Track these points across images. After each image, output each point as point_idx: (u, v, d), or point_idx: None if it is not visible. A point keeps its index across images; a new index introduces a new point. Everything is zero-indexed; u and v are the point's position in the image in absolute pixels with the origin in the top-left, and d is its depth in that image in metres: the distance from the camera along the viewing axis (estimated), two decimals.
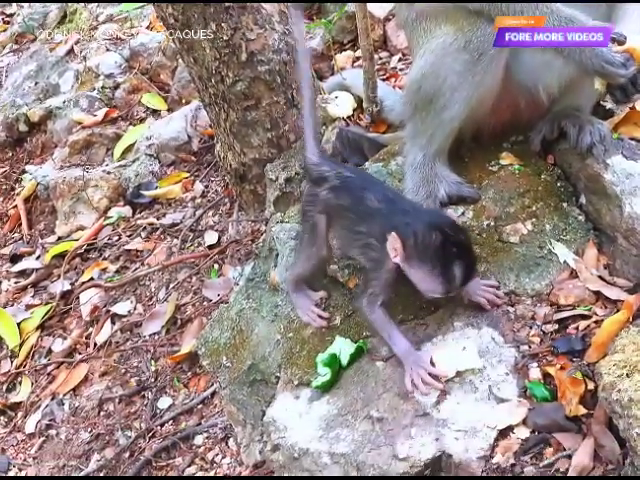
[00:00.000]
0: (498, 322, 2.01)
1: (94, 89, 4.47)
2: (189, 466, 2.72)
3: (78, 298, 3.54)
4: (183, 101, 4.27)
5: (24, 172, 4.34)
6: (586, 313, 1.96)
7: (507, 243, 2.14)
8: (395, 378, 1.98)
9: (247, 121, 3.04)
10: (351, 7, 3.61)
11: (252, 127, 3.06)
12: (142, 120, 4.29)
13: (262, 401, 2.30)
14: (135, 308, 3.39)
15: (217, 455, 2.72)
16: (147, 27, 4.78)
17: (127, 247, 3.67)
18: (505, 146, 2.38)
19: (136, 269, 3.55)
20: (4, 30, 5.61)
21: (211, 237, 3.49)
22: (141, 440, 2.89)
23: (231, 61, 2.91)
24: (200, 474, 2.68)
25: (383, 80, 3.37)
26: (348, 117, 3.03)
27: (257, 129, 3.06)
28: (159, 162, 3.99)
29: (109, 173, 3.99)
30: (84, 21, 5.06)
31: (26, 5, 5.47)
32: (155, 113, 4.32)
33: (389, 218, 1.99)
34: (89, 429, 3.04)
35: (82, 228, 3.90)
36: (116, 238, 3.76)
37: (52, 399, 3.22)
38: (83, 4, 5.08)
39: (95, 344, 3.31)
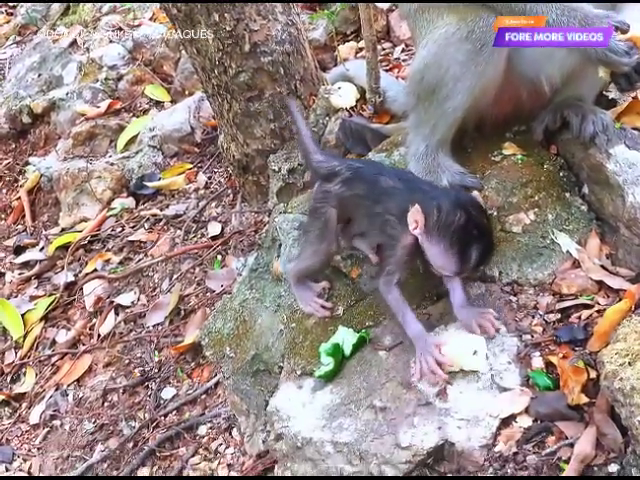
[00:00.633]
0: (501, 311, 2.02)
1: (97, 80, 4.47)
2: (193, 456, 2.73)
3: (82, 289, 3.55)
4: (186, 92, 4.28)
5: (27, 164, 4.36)
6: (588, 302, 1.97)
7: (510, 233, 2.14)
8: (398, 367, 1.99)
9: (250, 112, 3.05)
10: None
11: (255, 118, 3.06)
12: (145, 111, 4.30)
13: (265, 391, 2.32)
14: (139, 299, 3.40)
15: (221, 445, 2.73)
16: (150, 18, 4.78)
17: (130, 238, 3.68)
18: (508, 136, 2.38)
19: (139, 260, 3.57)
20: (7, 22, 5.61)
21: (214, 228, 3.49)
22: (145, 430, 2.90)
23: (234, 52, 2.91)
24: (204, 464, 2.69)
25: (386, 71, 3.36)
26: (351, 108, 3.03)
27: (260, 120, 3.06)
28: (162, 153, 4.00)
29: (112, 164, 4.00)
30: (87, 12, 5.06)
31: None
32: (158, 104, 4.33)
33: (408, 194, 2.00)
34: (93, 419, 3.06)
35: (85, 219, 3.91)
36: (119, 229, 3.77)
37: (56, 390, 3.23)
38: None
39: (99, 335, 3.33)
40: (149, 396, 3.02)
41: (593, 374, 1.78)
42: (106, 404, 3.09)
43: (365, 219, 2.16)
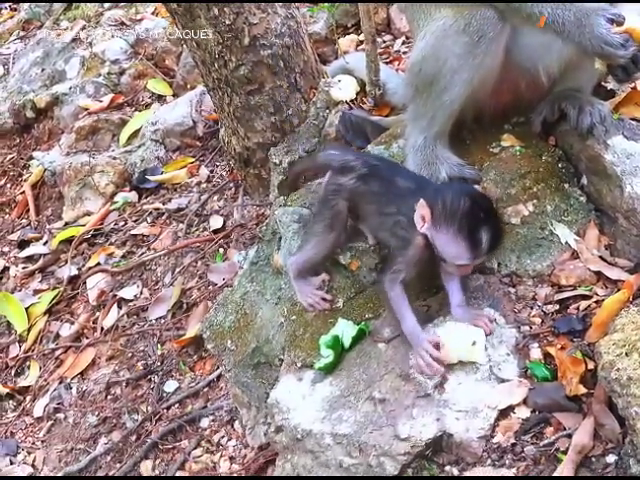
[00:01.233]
0: (499, 303, 2.02)
1: (100, 75, 4.48)
2: (195, 448, 2.74)
3: (85, 283, 3.57)
4: (188, 86, 4.28)
5: (31, 158, 4.38)
6: (587, 293, 1.97)
7: (508, 224, 2.13)
8: (397, 359, 1.99)
9: (250, 105, 3.04)
10: None
11: (255, 111, 3.06)
12: (147, 106, 4.30)
13: (266, 383, 2.32)
14: (141, 292, 3.42)
15: (223, 437, 2.74)
16: (152, 13, 4.79)
17: (133, 232, 3.70)
18: (506, 128, 2.37)
19: (142, 254, 3.58)
20: (11, 17, 5.62)
21: (216, 221, 3.50)
22: (148, 423, 2.92)
23: (234, 45, 2.90)
24: (206, 456, 2.70)
25: (386, 63, 3.36)
26: (351, 100, 3.02)
27: (260, 113, 3.06)
28: (164, 147, 4.00)
29: (115, 158, 4.00)
30: (90, 7, 5.06)
31: None
32: (160, 98, 4.33)
33: (419, 193, 2.01)
34: (96, 412, 3.07)
35: (89, 213, 3.92)
36: (122, 223, 3.78)
37: (60, 383, 3.25)
38: None
39: (102, 328, 3.34)
40: (152, 389, 3.04)
41: (591, 365, 1.78)
42: (109, 397, 3.10)
43: (376, 217, 2.16)
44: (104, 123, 4.23)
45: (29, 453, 3.06)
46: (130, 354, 3.22)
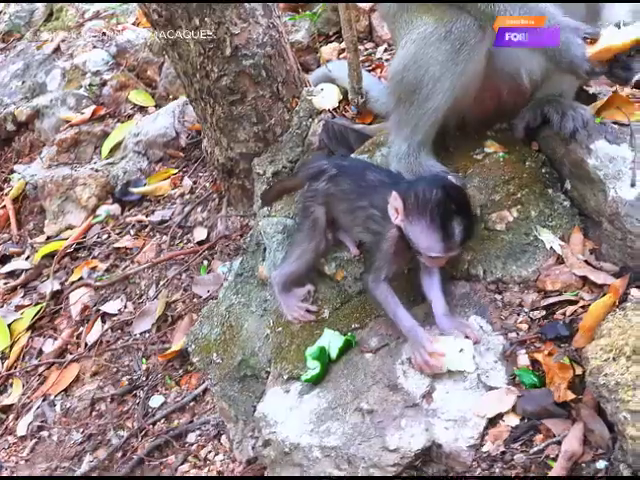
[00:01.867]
0: (485, 310, 2.02)
1: (81, 87, 4.47)
2: (182, 464, 2.73)
3: (68, 298, 3.55)
4: (170, 97, 4.28)
5: (12, 172, 4.36)
6: (573, 298, 1.97)
7: (493, 231, 2.14)
8: (384, 370, 1.99)
9: (233, 115, 3.04)
10: None
11: (238, 121, 3.05)
12: (130, 117, 4.30)
13: (253, 396, 2.32)
14: (125, 306, 3.40)
15: (210, 452, 2.73)
16: (133, 23, 4.78)
17: (116, 245, 3.69)
18: (489, 134, 2.38)
19: (126, 267, 3.56)
20: None
21: (200, 233, 3.50)
22: (133, 439, 2.90)
23: (215, 56, 2.90)
24: (193, 472, 2.69)
25: (369, 71, 3.36)
26: (334, 109, 3.02)
27: (243, 123, 3.05)
28: (147, 159, 4.00)
29: (97, 171, 3.99)
30: (70, 18, 5.05)
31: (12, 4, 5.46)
32: (142, 110, 4.33)
33: (392, 186, 2.02)
34: (81, 430, 3.05)
35: (71, 227, 3.91)
36: (105, 236, 3.77)
37: (43, 400, 3.23)
38: None
39: (86, 344, 3.33)
40: (137, 404, 3.02)
41: (579, 370, 1.78)
42: (94, 414, 3.09)
43: (348, 215, 2.18)
44: (86, 135, 4.22)
45: (12, 473, 3.02)
46: (115, 369, 3.20)
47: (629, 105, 2.22)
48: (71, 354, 3.35)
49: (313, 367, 2.08)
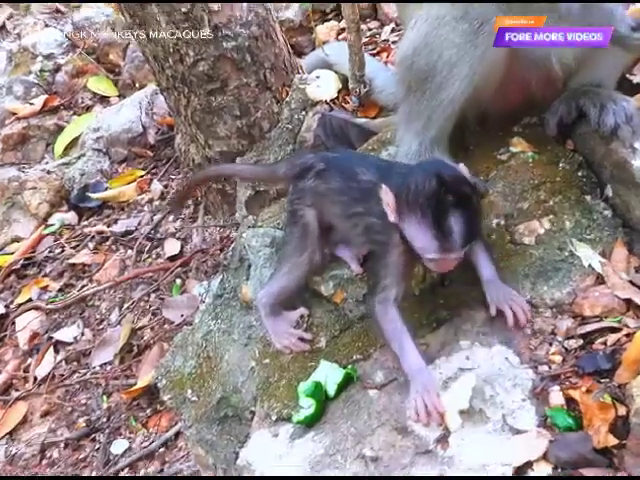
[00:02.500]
0: (512, 339, 2.02)
1: (30, 72, 4.49)
2: None
3: (14, 323, 3.55)
4: (137, 85, 4.30)
5: None
6: (615, 325, 1.97)
7: (521, 245, 2.15)
8: (391, 409, 1.98)
9: (212, 107, 3.06)
10: None
11: (218, 114, 3.07)
12: (88, 109, 4.32)
13: (235, 441, 2.31)
14: (82, 334, 3.40)
15: None
16: None
17: (72, 261, 3.69)
18: (516, 130, 2.40)
19: (83, 287, 3.57)
20: None
21: (172, 246, 3.51)
22: None
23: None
24: None
25: (373, 55, 3.39)
26: (332, 100, 3.05)
27: (224, 117, 3.07)
28: (109, 158, 4.02)
29: (50, 173, 4.00)
30: None
31: None
32: (104, 100, 4.35)
33: (383, 180, 2.01)
34: None
35: (18, 239, 3.91)
36: (59, 250, 3.78)
37: None
38: None
39: (35, 378, 3.32)
40: (97, 450, 3.02)
41: (622, 410, 1.78)
42: (45, 462, 3.08)
43: (345, 221, 2.17)
44: (36, 130, 4.24)
45: None
46: (70, 409, 3.20)
47: None
48: (17, 390, 3.34)
49: (307, 406, 2.08)
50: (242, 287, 2.46)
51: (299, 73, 3.18)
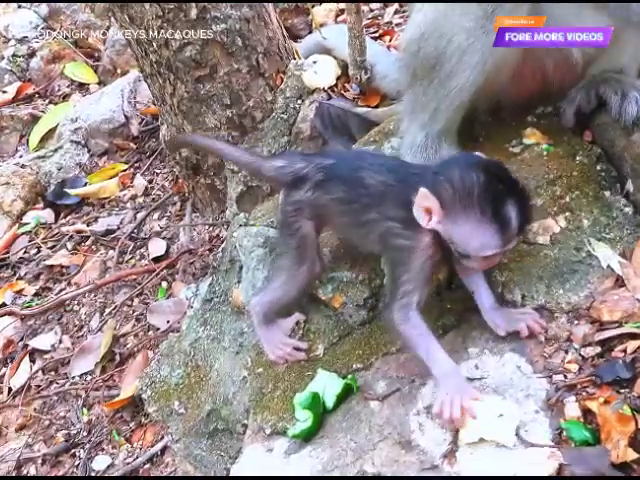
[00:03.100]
0: (525, 346, 2.02)
1: (3, 58, 4.50)
2: None
3: None
4: (118, 71, 4.31)
5: None
6: (636, 331, 1.98)
7: (535, 245, 2.16)
8: (394, 422, 1.99)
9: (200, 95, 3.06)
10: None
11: (206, 103, 3.07)
12: (65, 97, 4.33)
13: (226, 456, 2.33)
14: (61, 341, 3.41)
15: None
16: None
17: (49, 262, 3.70)
18: (529, 121, 2.40)
19: (61, 291, 3.57)
20: None
21: (157, 247, 3.51)
22: None
23: (177, 19, 2.92)
24: None
25: (375, 39, 3.40)
26: (330, 87, 3.05)
27: (213, 106, 3.07)
28: (88, 151, 4.02)
29: (24, 167, 4.01)
30: None
31: None
32: (82, 88, 4.36)
33: (404, 185, 2.01)
34: None
35: None
36: (34, 251, 3.79)
37: None
38: None
39: (10, 389, 3.33)
40: (77, 467, 3.02)
41: None
42: None
43: (357, 229, 2.17)
44: (9, 120, 4.25)
45: None
46: (47, 422, 3.20)
47: None
48: None
49: (303, 419, 2.09)
50: (233, 291, 2.47)
51: (294, 58, 3.18)
